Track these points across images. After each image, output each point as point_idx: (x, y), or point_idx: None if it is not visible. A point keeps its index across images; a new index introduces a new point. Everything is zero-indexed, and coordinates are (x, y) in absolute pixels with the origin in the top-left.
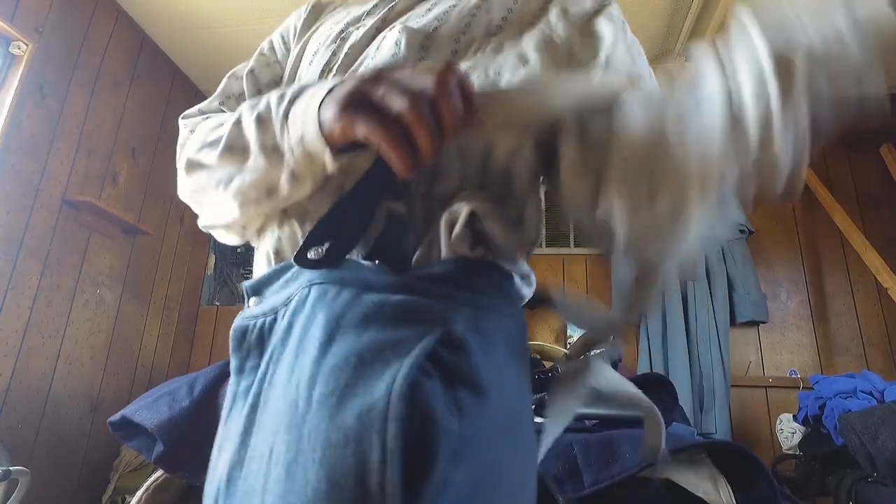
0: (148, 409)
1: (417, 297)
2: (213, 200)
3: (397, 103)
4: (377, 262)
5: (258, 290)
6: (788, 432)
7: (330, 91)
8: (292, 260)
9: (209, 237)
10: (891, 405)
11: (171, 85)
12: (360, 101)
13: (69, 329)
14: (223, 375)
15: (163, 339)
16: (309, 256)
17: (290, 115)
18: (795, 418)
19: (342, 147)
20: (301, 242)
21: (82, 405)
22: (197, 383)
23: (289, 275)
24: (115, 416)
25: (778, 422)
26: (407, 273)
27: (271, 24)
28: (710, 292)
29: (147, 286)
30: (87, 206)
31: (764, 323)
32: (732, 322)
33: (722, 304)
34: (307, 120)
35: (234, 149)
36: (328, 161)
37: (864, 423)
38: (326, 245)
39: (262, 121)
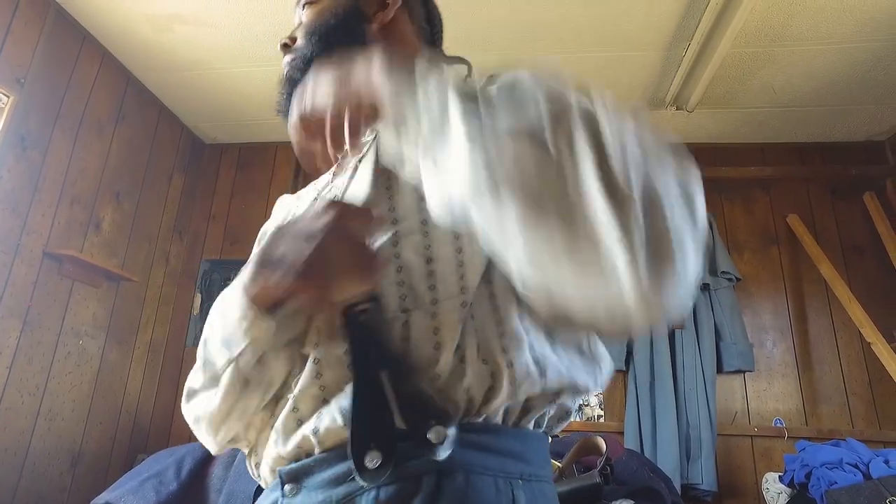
0: (133, 495)
1: (483, 477)
2: (209, 404)
3: (293, 257)
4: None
5: (297, 477)
6: (774, 492)
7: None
8: (355, 474)
9: (195, 276)
10: (876, 484)
11: (156, 122)
12: (265, 262)
13: (50, 384)
14: (211, 454)
15: (147, 383)
16: (366, 465)
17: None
18: (781, 479)
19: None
20: (348, 439)
21: (63, 461)
22: (185, 463)
23: (341, 470)
24: (100, 499)
25: (764, 480)
26: (458, 446)
27: (256, 68)
28: (698, 340)
29: (131, 331)
30: (70, 259)
31: (750, 372)
32: (719, 370)
33: (709, 352)
34: (235, 297)
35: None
36: (257, 322)
37: (851, 501)
38: (374, 447)
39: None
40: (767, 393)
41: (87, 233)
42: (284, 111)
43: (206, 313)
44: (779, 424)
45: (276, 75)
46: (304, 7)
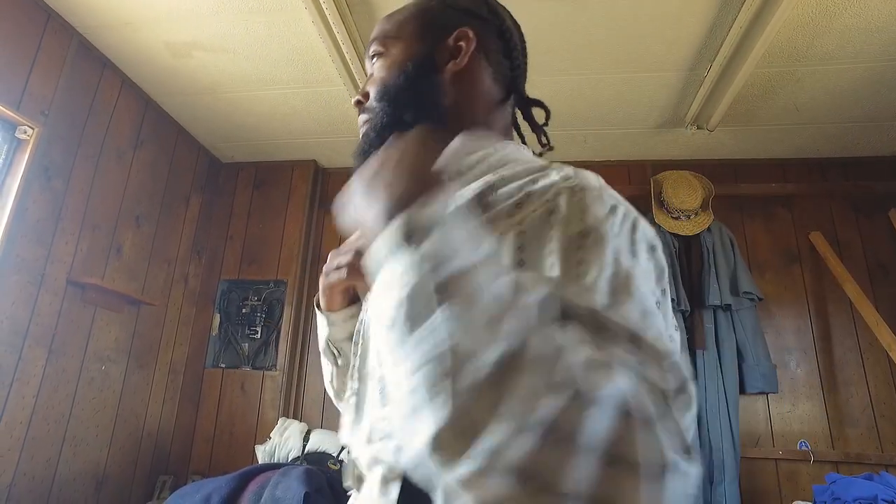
0: None
1: None
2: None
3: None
4: None
5: None
6: None
7: None
8: None
9: (214, 296)
10: None
11: (174, 144)
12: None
13: (74, 410)
14: (238, 489)
15: (168, 405)
16: None
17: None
18: None
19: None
20: None
21: (88, 485)
22: (212, 500)
23: None
24: None
25: None
26: None
27: (274, 91)
28: (720, 362)
29: (152, 354)
30: (93, 287)
31: (773, 393)
32: (742, 391)
33: (731, 374)
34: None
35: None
36: (326, 319)
37: None
38: None
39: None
40: (791, 415)
41: (108, 258)
42: (357, 162)
43: (225, 333)
44: (804, 447)
45: (293, 97)
46: (373, 58)
